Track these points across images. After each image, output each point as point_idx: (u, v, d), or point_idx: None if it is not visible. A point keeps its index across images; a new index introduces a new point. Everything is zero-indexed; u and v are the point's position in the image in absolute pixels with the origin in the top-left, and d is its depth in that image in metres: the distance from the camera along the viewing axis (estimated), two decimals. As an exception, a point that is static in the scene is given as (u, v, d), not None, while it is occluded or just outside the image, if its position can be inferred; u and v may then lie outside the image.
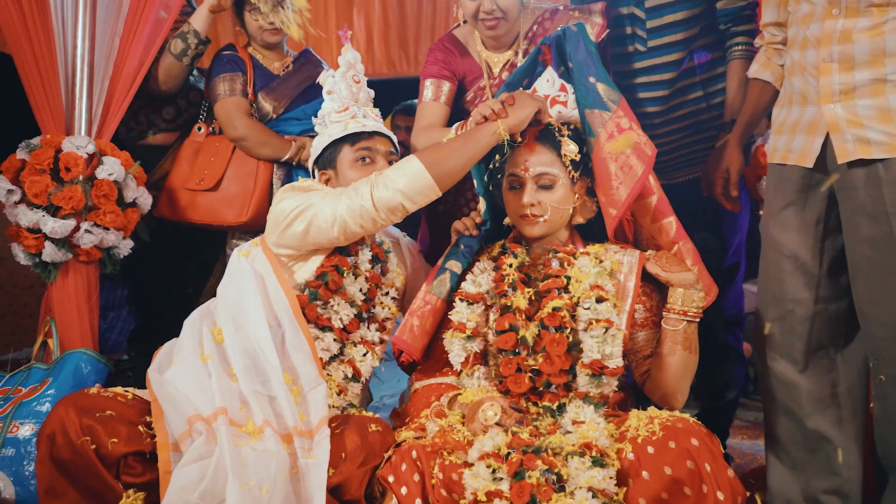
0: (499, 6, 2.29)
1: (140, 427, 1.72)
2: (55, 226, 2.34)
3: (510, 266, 1.94)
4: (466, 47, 2.49)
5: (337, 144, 2.13)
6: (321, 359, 1.93)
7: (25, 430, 2.15)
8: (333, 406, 1.89)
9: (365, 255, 2.07)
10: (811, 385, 1.95)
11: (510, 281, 1.92)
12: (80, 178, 2.39)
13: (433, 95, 2.45)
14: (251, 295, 1.91)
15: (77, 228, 2.38)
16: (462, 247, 2.05)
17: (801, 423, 1.95)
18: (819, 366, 1.95)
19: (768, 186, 2.07)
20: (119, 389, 1.85)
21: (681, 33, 2.40)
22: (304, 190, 2.01)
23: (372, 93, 2.24)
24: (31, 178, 2.35)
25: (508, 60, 2.43)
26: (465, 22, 2.50)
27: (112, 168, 2.42)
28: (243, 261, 2.01)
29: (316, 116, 2.25)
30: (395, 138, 2.19)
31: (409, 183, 1.86)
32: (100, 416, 1.69)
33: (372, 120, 2.17)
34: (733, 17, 2.37)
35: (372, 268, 2.10)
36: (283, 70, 2.84)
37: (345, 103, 2.15)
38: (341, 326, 1.99)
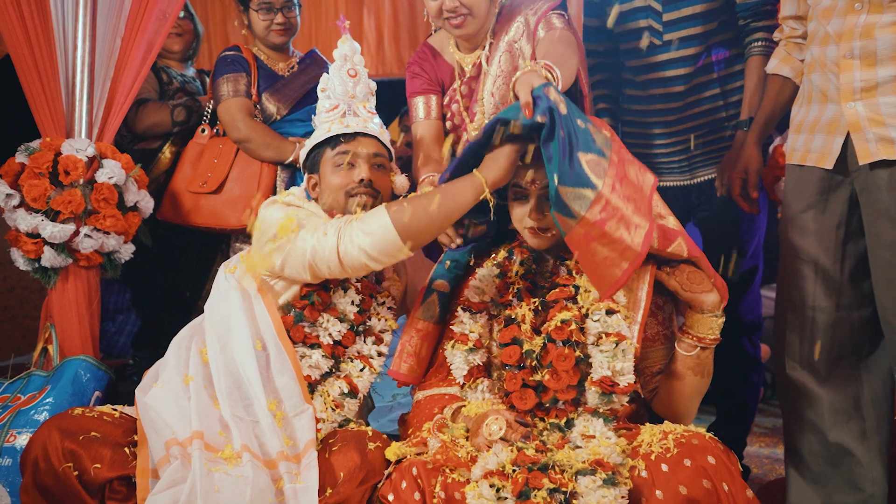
0: (462, 2, 2.17)
1: (126, 449, 1.68)
2: (54, 230, 2.30)
3: (516, 274, 1.86)
4: (441, 53, 2.41)
5: (320, 147, 2.04)
6: (309, 377, 1.87)
7: (23, 440, 2.10)
8: (328, 421, 1.82)
9: None
10: (833, 396, 1.89)
11: (515, 290, 1.84)
12: (80, 181, 2.35)
13: (425, 114, 2.38)
14: (237, 314, 1.85)
15: (76, 233, 2.35)
16: (448, 262, 1.95)
17: (823, 435, 1.89)
18: (841, 376, 1.89)
19: (787, 188, 2.01)
20: (106, 408, 1.81)
21: (698, 27, 2.34)
22: (287, 206, 1.93)
23: (373, 85, 2.14)
24: (30, 181, 2.31)
25: (478, 58, 2.32)
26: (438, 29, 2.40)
27: (112, 171, 2.38)
28: (230, 277, 1.94)
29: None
30: (384, 136, 2.08)
31: (374, 242, 1.74)
32: (83, 438, 1.64)
33: (360, 119, 2.05)
34: (753, 13, 2.32)
35: (365, 276, 2.01)
36: (289, 71, 2.81)
37: (335, 101, 2.05)
38: (331, 343, 1.92)
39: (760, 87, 2.26)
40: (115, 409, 1.81)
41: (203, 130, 2.80)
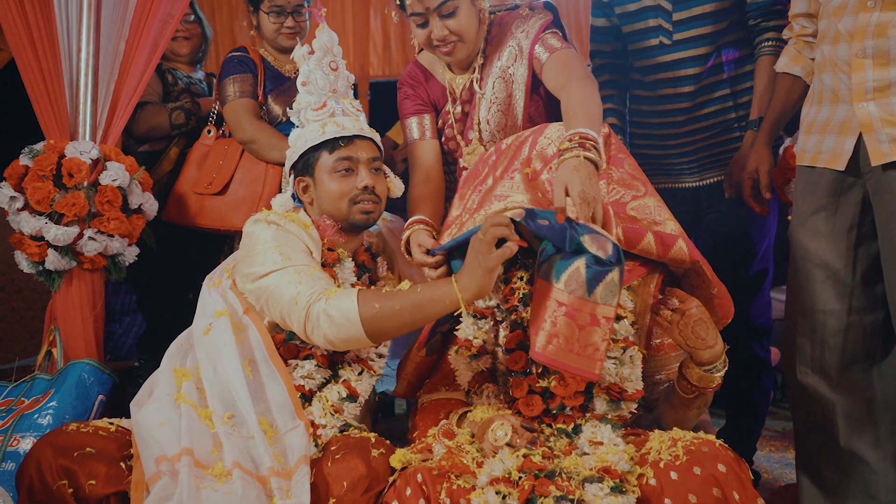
0: (451, 30, 2.08)
1: (122, 464, 1.66)
2: (58, 233, 2.29)
3: (521, 279, 1.82)
4: (432, 72, 2.34)
5: (314, 150, 1.97)
6: (302, 387, 1.84)
7: (26, 444, 2.09)
8: (328, 426, 1.80)
9: (345, 270, 1.94)
10: (845, 402, 1.85)
11: (520, 295, 1.81)
12: (84, 184, 2.34)
13: (419, 134, 2.30)
14: (224, 332, 1.82)
15: (80, 236, 2.34)
16: None
17: (835, 442, 1.85)
18: (853, 381, 1.85)
19: (797, 190, 1.98)
20: (102, 422, 1.79)
21: (708, 27, 2.32)
22: (269, 225, 1.88)
23: (352, 78, 2.06)
24: (34, 184, 2.31)
25: (469, 80, 2.25)
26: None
27: (116, 174, 2.37)
28: (214, 292, 1.91)
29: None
30: (377, 138, 2.03)
31: (338, 333, 1.69)
32: (78, 455, 1.62)
33: (352, 118, 1.98)
34: (763, 13, 2.29)
35: (359, 279, 1.97)
36: (295, 73, 2.79)
37: (322, 98, 1.97)
38: (326, 353, 1.88)
39: (770, 87, 2.23)
40: (111, 423, 1.78)
41: (209, 132, 2.79)
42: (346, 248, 1.99)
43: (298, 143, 1.99)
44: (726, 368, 1.73)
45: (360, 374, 1.89)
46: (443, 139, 2.33)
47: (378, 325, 1.68)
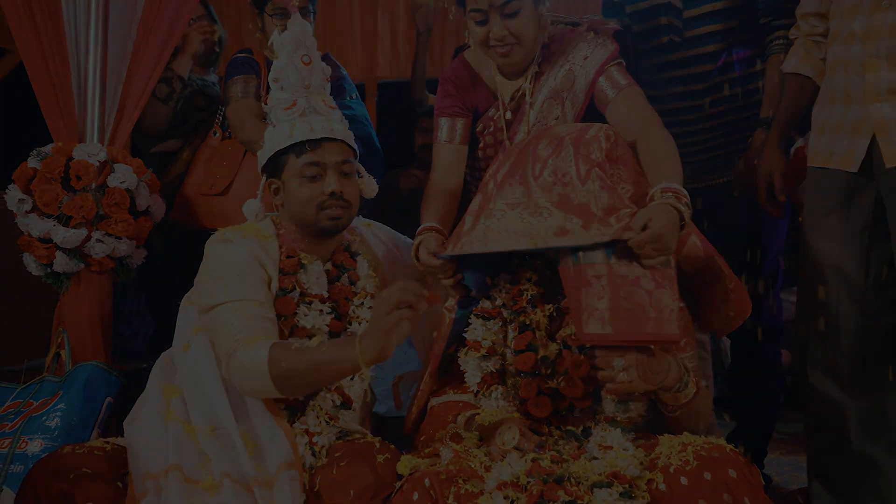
0: (510, 31, 1.98)
1: (118, 483, 1.65)
2: (66, 235, 2.30)
3: (529, 280, 1.82)
4: (480, 74, 2.24)
5: (282, 153, 1.86)
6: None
7: (34, 446, 2.11)
8: (324, 433, 1.76)
9: (310, 275, 1.88)
10: (858, 406, 1.84)
11: (529, 296, 1.80)
12: (92, 186, 2.35)
13: (448, 137, 2.22)
14: (202, 349, 1.79)
15: (88, 238, 2.35)
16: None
17: (847, 446, 1.84)
18: (866, 385, 1.84)
19: (809, 192, 1.97)
20: (97, 442, 1.78)
21: (719, 24, 2.30)
22: (226, 243, 1.84)
23: (328, 70, 1.96)
24: (42, 186, 2.32)
25: (519, 88, 2.16)
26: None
27: (124, 176, 2.38)
28: (191, 311, 1.89)
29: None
30: (350, 138, 1.93)
31: (251, 386, 1.68)
32: (74, 476, 1.61)
33: (323, 117, 1.87)
34: (775, 11, 2.27)
35: (338, 280, 1.92)
36: (301, 74, 2.77)
37: (293, 95, 1.88)
38: None
39: (781, 85, 2.21)
40: (107, 442, 1.77)
41: (214, 133, 2.79)
42: (317, 253, 1.93)
43: (268, 144, 1.91)
44: (690, 375, 1.68)
45: (351, 378, 1.84)
46: (481, 144, 2.25)
47: (287, 383, 1.66)
